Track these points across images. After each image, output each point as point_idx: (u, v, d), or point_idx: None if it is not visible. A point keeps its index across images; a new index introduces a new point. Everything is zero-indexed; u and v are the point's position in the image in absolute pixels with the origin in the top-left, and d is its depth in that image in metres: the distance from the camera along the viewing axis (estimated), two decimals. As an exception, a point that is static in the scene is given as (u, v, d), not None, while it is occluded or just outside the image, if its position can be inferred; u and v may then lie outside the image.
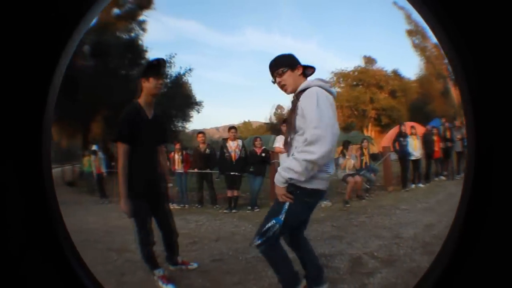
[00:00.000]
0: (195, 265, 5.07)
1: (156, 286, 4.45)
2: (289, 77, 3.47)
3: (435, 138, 13.75)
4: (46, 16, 1.35)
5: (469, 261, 1.48)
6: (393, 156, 13.48)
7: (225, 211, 10.44)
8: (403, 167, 12.72)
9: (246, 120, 46.39)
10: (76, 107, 21.53)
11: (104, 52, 22.22)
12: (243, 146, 11.28)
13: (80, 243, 5.35)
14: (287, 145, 3.45)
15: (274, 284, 4.13)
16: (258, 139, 11.87)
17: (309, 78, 3.56)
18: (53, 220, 1.53)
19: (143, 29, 25.39)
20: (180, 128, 27.98)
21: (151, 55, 25.59)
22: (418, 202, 9.66)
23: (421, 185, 12.69)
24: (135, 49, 24.46)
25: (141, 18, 25.35)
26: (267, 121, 44.08)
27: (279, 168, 3.25)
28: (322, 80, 3.46)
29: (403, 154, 12.65)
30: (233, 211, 10.37)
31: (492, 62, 1.36)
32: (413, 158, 12.69)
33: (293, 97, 3.41)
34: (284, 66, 3.49)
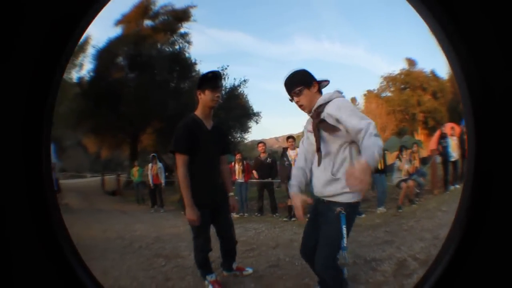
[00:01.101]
0: (250, 271, 5.01)
1: None
2: (305, 96, 3.30)
3: (465, 137, 13.34)
4: (45, 15, 1.29)
5: (469, 261, 1.45)
6: (439, 159, 13.14)
7: (284, 219, 10.18)
8: (444, 169, 12.50)
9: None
10: (121, 119, 21.86)
11: (146, 65, 22.42)
12: None
13: (122, 249, 5.52)
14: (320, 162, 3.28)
15: None
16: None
17: (325, 91, 3.40)
18: (53, 223, 1.47)
19: (188, 42, 25.32)
20: (239, 139, 27.90)
21: (201, 67, 25.77)
22: (455, 203, 9.46)
23: (457, 185, 12.39)
24: (182, 62, 24.52)
25: (182, 30, 25.31)
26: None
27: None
28: (339, 91, 3.34)
29: (444, 155, 12.43)
30: (293, 219, 9.97)
31: (492, 62, 1.33)
32: (452, 159, 12.43)
33: (313, 112, 3.24)
34: (300, 84, 3.30)
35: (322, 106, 3.13)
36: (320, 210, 3.26)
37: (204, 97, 4.21)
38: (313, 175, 3.38)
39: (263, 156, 11.69)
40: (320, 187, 3.19)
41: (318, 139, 3.16)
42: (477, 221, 1.40)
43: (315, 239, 3.50)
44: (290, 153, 10.60)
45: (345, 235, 3.08)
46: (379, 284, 4.36)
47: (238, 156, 12.02)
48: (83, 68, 23.28)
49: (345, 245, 3.11)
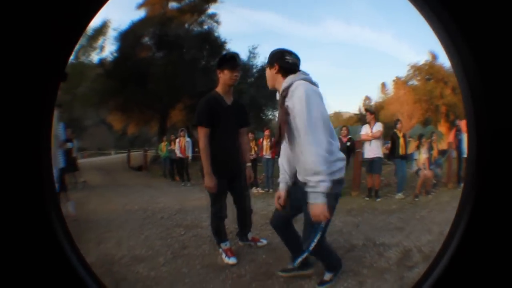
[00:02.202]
0: (264, 242, 5.18)
1: (219, 259, 4.64)
2: (267, 74, 3.47)
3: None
4: (45, 15, 1.30)
5: (469, 261, 1.46)
6: (454, 153, 13.00)
7: None
8: (458, 164, 12.33)
9: (337, 111, 46.40)
10: (150, 96, 22.20)
11: (174, 44, 22.50)
12: None
13: (142, 220, 5.92)
14: (278, 148, 3.57)
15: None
16: (345, 128, 11.98)
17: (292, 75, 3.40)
18: (52, 218, 1.47)
19: (217, 22, 25.29)
20: (270, 116, 27.45)
21: (231, 46, 25.69)
22: None
23: None
24: (212, 41, 24.47)
25: (210, 11, 25.19)
26: (357, 112, 43.89)
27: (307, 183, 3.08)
28: (303, 72, 3.39)
29: (458, 151, 12.32)
30: None
31: (493, 62, 1.33)
32: (465, 155, 11.88)
33: (280, 97, 3.33)
34: (267, 62, 3.49)
35: (285, 91, 3.23)
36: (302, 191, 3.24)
37: (224, 76, 4.52)
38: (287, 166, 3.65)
39: None
40: (302, 175, 3.23)
41: (284, 128, 3.24)
42: (478, 220, 1.43)
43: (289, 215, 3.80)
44: None
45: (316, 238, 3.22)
46: (382, 271, 4.42)
47: (266, 133, 12.27)
48: (104, 50, 23.69)
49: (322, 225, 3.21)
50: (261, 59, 25.83)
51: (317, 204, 2.99)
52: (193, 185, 13.39)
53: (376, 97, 40.92)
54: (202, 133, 4.39)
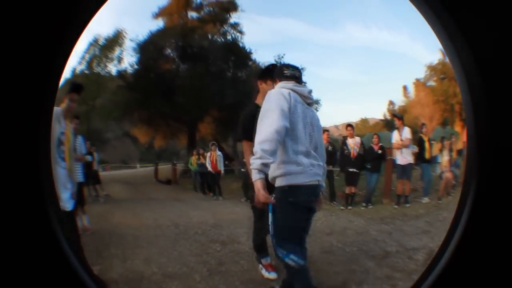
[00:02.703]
0: None
1: (260, 274, 4.65)
2: (263, 88, 3.82)
3: None
4: (44, 14, 1.29)
5: (469, 261, 1.47)
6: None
7: (341, 207, 10.58)
8: None
9: (363, 117, 46.25)
10: (177, 109, 22.33)
11: (199, 55, 22.51)
12: (361, 143, 11.33)
13: (175, 236, 5.85)
14: None
15: (372, 272, 4.74)
16: (376, 136, 11.86)
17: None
18: (51, 219, 1.45)
19: (240, 32, 24.98)
20: None
21: (257, 56, 25.50)
22: None
23: None
24: (237, 51, 24.40)
25: (232, 21, 24.94)
26: (382, 117, 43.80)
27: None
28: (286, 82, 3.43)
29: None
30: (349, 207, 10.51)
31: (492, 62, 1.34)
32: None
33: None
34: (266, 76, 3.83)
35: None
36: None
37: (266, 87, 4.37)
38: None
39: (325, 144, 11.62)
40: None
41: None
42: (477, 219, 1.44)
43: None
44: (350, 141, 10.94)
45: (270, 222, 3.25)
46: (410, 273, 4.59)
47: None
48: (123, 61, 23.52)
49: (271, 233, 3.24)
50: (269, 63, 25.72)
51: (254, 182, 3.07)
52: (225, 199, 13.41)
53: (399, 101, 40.76)
54: (248, 148, 4.27)
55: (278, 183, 3.16)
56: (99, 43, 22.67)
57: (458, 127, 31.86)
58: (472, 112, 1.44)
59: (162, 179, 21.15)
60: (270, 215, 3.23)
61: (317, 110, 26.19)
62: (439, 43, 1.56)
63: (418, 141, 11.20)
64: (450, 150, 11.76)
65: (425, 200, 10.46)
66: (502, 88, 1.32)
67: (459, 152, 13.16)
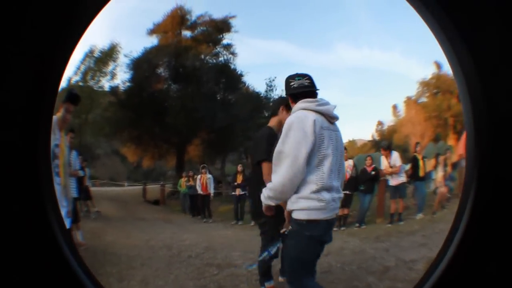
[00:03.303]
0: None
1: None
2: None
3: None
4: (44, 15, 1.26)
5: (469, 262, 1.44)
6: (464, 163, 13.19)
7: (335, 228, 10.33)
8: None
9: (351, 139, 46.53)
10: (167, 130, 22.47)
11: (191, 76, 22.66)
12: (354, 165, 11.56)
13: (168, 259, 5.75)
14: None
15: (375, 286, 5.01)
16: (369, 157, 12.02)
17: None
18: (51, 224, 1.41)
19: (233, 53, 25.30)
20: None
21: (248, 78, 26.02)
22: None
23: None
24: (228, 73, 24.67)
25: (225, 42, 25.28)
26: (370, 138, 44.07)
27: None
28: (307, 101, 3.21)
29: None
30: (342, 228, 10.59)
31: (492, 66, 1.32)
32: None
33: None
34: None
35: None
36: None
37: (285, 115, 4.23)
38: None
39: None
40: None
41: None
42: (477, 222, 1.41)
43: None
44: None
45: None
46: (413, 281, 4.67)
47: None
48: (116, 77, 23.64)
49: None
50: (278, 91, 25.75)
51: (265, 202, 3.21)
52: (215, 222, 13.52)
53: (388, 120, 40.99)
54: (268, 169, 4.12)
55: (296, 216, 3.04)
56: (95, 55, 22.83)
57: (451, 141, 32.12)
58: (472, 116, 1.43)
59: (150, 199, 21.06)
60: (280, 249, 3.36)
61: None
62: (440, 47, 1.53)
63: (411, 160, 11.55)
64: (445, 165, 12.07)
65: (419, 216, 10.68)
66: (502, 91, 1.32)
67: (454, 165, 13.38)
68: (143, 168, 29.71)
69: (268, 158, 4.12)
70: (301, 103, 3.15)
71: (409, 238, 7.98)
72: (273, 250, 3.53)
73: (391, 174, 10.57)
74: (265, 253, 3.68)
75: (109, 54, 23.13)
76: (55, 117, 4.15)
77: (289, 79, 3.34)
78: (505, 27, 1.27)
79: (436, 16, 1.41)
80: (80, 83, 22.39)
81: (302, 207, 3.02)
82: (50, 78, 1.34)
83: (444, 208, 11.25)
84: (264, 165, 4.31)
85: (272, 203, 3.12)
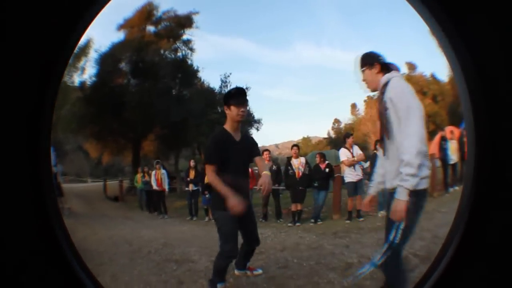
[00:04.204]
0: (260, 271, 5.30)
1: None
2: (368, 76, 3.47)
3: (465, 139, 13.50)
4: (44, 17, 1.34)
5: (469, 261, 1.49)
6: (438, 163, 13.33)
7: (289, 224, 10.66)
8: (444, 172, 12.80)
9: (305, 136, 46.41)
10: (124, 125, 22.24)
11: (149, 71, 22.50)
12: (307, 163, 11.48)
13: (131, 254, 5.88)
14: (383, 146, 3.42)
15: (338, 283, 4.83)
16: (318, 155, 11.98)
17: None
18: (53, 225, 1.51)
19: (191, 49, 25.01)
20: None
21: (203, 74, 25.82)
22: (454, 204, 9.89)
23: (456, 187, 12.59)
24: (185, 69, 24.52)
25: (185, 37, 25.03)
26: (326, 136, 43.98)
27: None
28: (396, 68, 3.43)
29: (444, 159, 12.75)
30: (297, 224, 10.57)
31: (491, 62, 1.37)
32: (451, 162, 12.77)
33: (378, 95, 3.36)
34: (363, 65, 3.50)
35: (383, 87, 3.25)
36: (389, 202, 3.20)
37: (230, 112, 4.53)
38: (380, 169, 3.61)
39: (267, 163, 11.62)
40: (392, 179, 3.21)
41: (384, 125, 3.24)
42: (477, 222, 1.46)
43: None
44: (294, 161, 11.10)
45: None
46: (380, 279, 4.46)
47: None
48: (85, 72, 23.05)
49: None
50: (232, 87, 25.87)
51: (399, 200, 3.01)
52: (171, 217, 13.51)
53: (346, 118, 41.06)
54: (209, 170, 4.38)
55: (421, 185, 3.04)
56: (74, 51, 22.39)
57: None
58: (472, 115, 1.47)
59: (111, 195, 20.93)
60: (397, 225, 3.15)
61: (258, 130, 26.71)
62: (438, 45, 1.59)
63: (371, 157, 11.27)
64: None
65: (381, 213, 9.99)
66: (501, 90, 1.37)
67: None
68: (103, 164, 29.41)
69: (206, 160, 4.53)
70: (395, 72, 3.37)
71: (371, 235, 7.81)
72: (379, 261, 3.32)
73: (354, 164, 10.46)
74: (369, 266, 3.53)
75: (84, 49, 22.82)
76: None
77: (378, 54, 3.51)
78: (504, 24, 1.33)
79: (436, 15, 1.46)
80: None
81: (424, 175, 3.04)
82: (52, 76, 1.42)
83: None
84: (205, 166, 4.50)
85: (416, 178, 2.95)
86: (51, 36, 1.35)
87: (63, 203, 12.48)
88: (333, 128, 42.37)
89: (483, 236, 1.45)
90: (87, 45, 22.54)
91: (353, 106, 37.65)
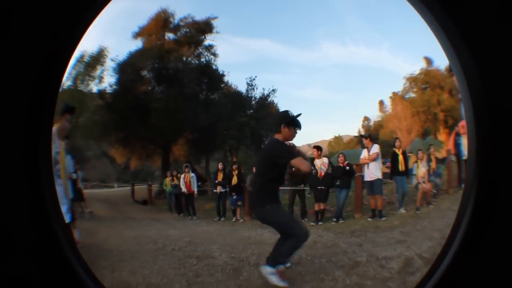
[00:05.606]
0: (288, 264, 5.35)
1: (271, 281, 4.77)
2: None
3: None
4: (45, 18, 1.37)
5: (471, 262, 1.51)
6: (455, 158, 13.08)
7: (311, 223, 10.71)
8: (458, 168, 12.46)
9: (337, 135, 46.20)
10: (152, 131, 22.53)
11: (174, 78, 22.70)
12: (330, 162, 11.56)
13: (154, 252, 6.29)
14: None
15: (341, 280, 4.88)
16: (341, 155, 12.02)
17: None
18: (53, 224, 1.55)
19: (214, 54, 25.41)
20: None
21: (229, 78, 26.42)
22: None
23: None
24: (210, 74, 24.78)
25: (207, 43, 25.40)
26: (357, 134, 43.60)
27: None
28: None
29: (458, 154, 12.42)
30: (319, 223, 10.64)
31: (492, 61, 1.39)
32: (465, 157, 11.97)
33: None
34: None
35: None
36: None
37: (287, 132, 5.02)
38: None
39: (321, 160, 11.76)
40: None
41: None
42: (479, 221, 1.47)
43: None
44: (316, 162, 11.11)
45: None
46: (384, 280, 4.76)
47: None
48: (103, 80, 23.61)
49: None
50: (260, 90, 26.34)
51: None
52: (199, 219, 13.66)
53: (374, 116, 40.68)
54: (298, 161, 4.81)
55: None
56: (85, 59, 22.66)
57: (443, 135, 31.72)
58: (473, 114, 1.48)
59: (139, 199, 21.10)
60: None
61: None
62: (440, 45, 1.60)
63: (391, 155, 11.39)
64: (429, 161, 11.80)
65: (401, 211, 10.60)
66: (502, 89, 1.38)
67: (442, 160, 13.42)
68: (131, 169, 29.69)
69: (293, 156, 4.84)
70: None
71: (385, 234, 7.80)
72: None
73: (367, 162, 10.59)
74: None
75: (98, 58, 23.08)
76: (54, 128, 4.72)
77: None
78: (505, 25, 1.35)
79: (436, 14, 1.48)
80: (72, 88, 22.40)
81: None
82: (52, 80, 1.47)
83: (430, 204, 11.01)
84: (294, 162, 4.80)
85: None
86: (51, 36, 1.39)
87: (83, 207, 12.85)
88: (363, 126, 42.13)
89: (485, 236, 1.47)
90: (100, 54, 23.04)
91: (381, 103, 37.41)
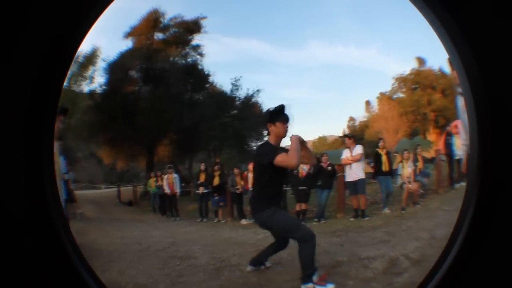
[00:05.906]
0: (269, 264, 5.48)
1: None
2: None
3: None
4: (46, 19, 1.37)
5: (472, 262, 1.51)
6: (445, 158, 13.19)
7: None
8: (449, 168, 12.58)
9: (321, 135, 46.20)
10: (138, 131, 22.48)
11: (160, 78, 22.71)
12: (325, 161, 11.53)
13: (139, 252, 6.50)
14: None
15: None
16: (324, 155, 12.14)
17: None
18: (56, 224, 1.56)
19: (200, 54, 25.13)
20: (254, 147, 27.52)
21: (215, 78, 25.80)
22: (458, 201, 9.61)
23: (462, 183, 12.04)
24: (196, 74, 24.65)
25: (194, 43, 25.15)
26: (341, 134, 43.68)
27: None
28: None
29: (449, 154, 12.53)
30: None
31: (492, 61, 1.40)
32: (457, 157, 12.37)
33: None
34: None
35: None
36: None
37: (276, 129, 4.88)
38: None
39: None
40: None
41: None
42: (482, 221, 1.47)
43: None
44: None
45: None
46: (368, 281, 4.74)
47: (251, 166, 11.92)
48: (94, 81, 23.38)
49: None
50: (244, 90, 26.08)
51: None
52: (182, 220, 13.77)
53: (360, 116, 40.72)
54: (280, 158, 4.61)
55: None
56: (79, 60, 22.63)
57: (432, 135, 31.76)
58: (474, 112, 1.48)
59: (125, 200, 21.28)
60: None
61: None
62: (441, 44, 1.59)
63: (374, 155, 11.52)
64: (415, 161, 11.85)
65: (386, 211, 10.65)
66: (504, 86, 1.38)
67: (431, 160, 13.51)
68: (117, 170, 29.64)
69: (273, 157, 4.63)
70: None
71: (369, 233, 7.79)
72: None
73: (349, 163, 10.61)
74: None
75: (90, 58, 23.02)
76: None
77: None
78: (506, 22, 1.35)
79: (437, 12, 1.47)
80: (65, 88, 22.46)
81: None
82: (54, 79, 1.47)
83: (417, 204, 11.04)
84: (277, 161, 4.62)
85: None
86: (51, 36, 1.39)
87: (75, 208, 12.79)
88: (348, 126, 42.06)
89: (487, 235, 1.47)
90: (93, 54, 22.81)
91: (367, 103, 37.33)
